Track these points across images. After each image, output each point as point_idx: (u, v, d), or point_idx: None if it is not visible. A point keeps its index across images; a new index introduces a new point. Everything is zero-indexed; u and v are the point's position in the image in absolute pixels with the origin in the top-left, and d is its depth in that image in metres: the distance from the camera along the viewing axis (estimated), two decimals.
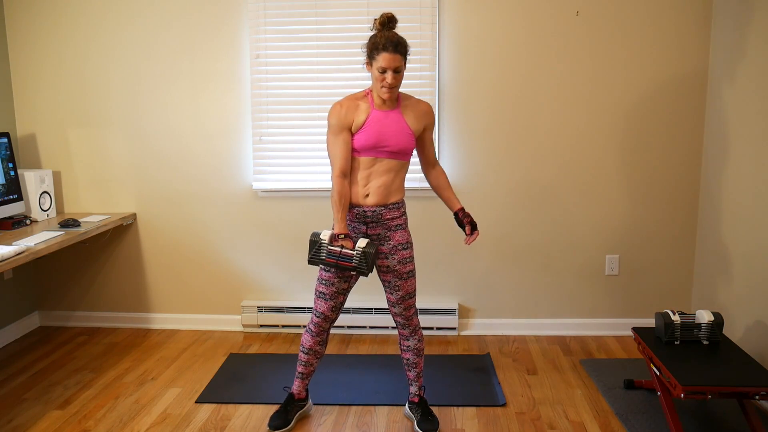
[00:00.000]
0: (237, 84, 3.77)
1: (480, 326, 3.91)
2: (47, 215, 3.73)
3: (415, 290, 2.78)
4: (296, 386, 2.87)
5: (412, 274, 2.75)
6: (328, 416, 2.93)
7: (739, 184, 3.27)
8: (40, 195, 3.68)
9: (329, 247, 2.56)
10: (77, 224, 3.49)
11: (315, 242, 2.58)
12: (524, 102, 3.69)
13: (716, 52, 3.53)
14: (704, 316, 2.81)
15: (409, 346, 2.82)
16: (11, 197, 3.51)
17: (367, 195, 2.65)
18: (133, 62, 3.80)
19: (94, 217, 3.73)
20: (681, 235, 3.77)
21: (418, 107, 2.70)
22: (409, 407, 2.89)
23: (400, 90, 2.73)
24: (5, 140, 3.53)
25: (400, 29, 3.59)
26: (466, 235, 2.75)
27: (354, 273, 2.64)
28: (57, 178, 3.94)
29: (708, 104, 3.63)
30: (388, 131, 2.61)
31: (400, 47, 2.54)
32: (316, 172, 3.79)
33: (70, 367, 3.46)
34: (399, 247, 2.71)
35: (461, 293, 3.89)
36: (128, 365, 3.49)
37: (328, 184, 3.75)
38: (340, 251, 2.55)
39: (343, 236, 2.58)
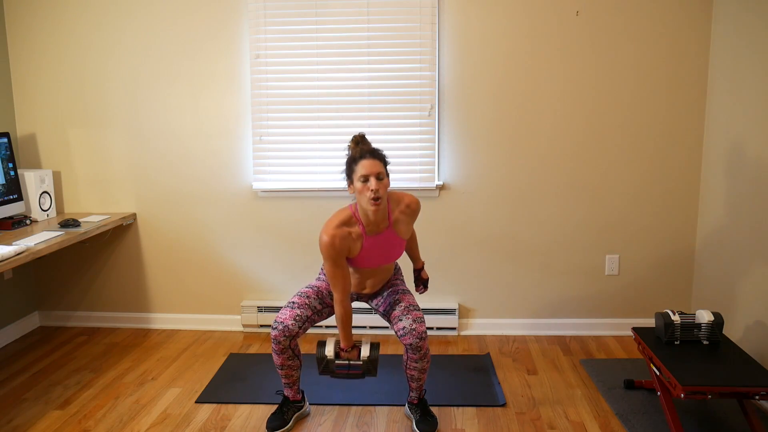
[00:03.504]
0: (237, 84, 3.77)
1: (480, 326, 3.91)
2: (47, 215, 3.73)
3: (418, 305, 2.72)
4: (287, 392, 2.87)
5: (408, 292, 2.80)
6: (328, 416, 2.93)
7: (739, 183, 3.28)
8: (40, 195, 3.68)
9: (336, 361, 2.68)
10: (77, 224, 3.49)
11: (323, 359, 2.67)
12: (524, 102, 3.69)
13: (716, 51, 3.53)
14: (704, 316, 2.81)
15: (416, 367, 2.71)
16: (11, 197, 3.51)
17: (364, 288, 2.81)
18: (133, 62, 3.80)
19: (94, 217, 3.73)
20: (681, 235, 3.77)
21: (404, 211, 2.68)
22: (408, 407, 2.89)
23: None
24: (5, 140, 3.53)
25: (401, 29, 3.62)
26: (416, 290, 2.99)
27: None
28: (57, 178, 3.94)
29: (708, 104, 3.63)
30: (383, 253, 2.68)
31: (377, 153, 2.54)
32: (316, 172, 3.79)
33: (70, 367, 3.46)
34: (391, 288, 2.85)
35: (461, 293, 3.89)
36: (128, 365, 3.49)
37: (328, 184, 3.76)
38: (349, 363, 2.67)
39: (349, 349, 2.68)
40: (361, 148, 2.56)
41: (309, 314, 2.70)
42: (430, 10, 3.61)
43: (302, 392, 2.92)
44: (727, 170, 3.40)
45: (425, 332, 2.63)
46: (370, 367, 2.67)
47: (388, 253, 2.69)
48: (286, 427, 2.79)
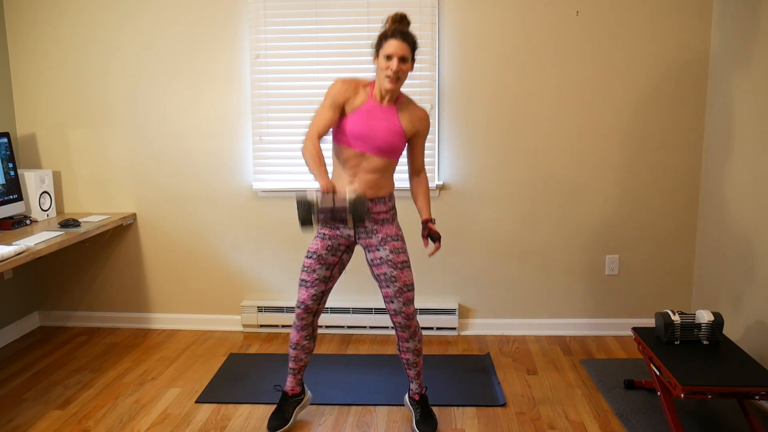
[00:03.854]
0: (237, 84, 3.77)
1: (480, 326, 3.91)
2: (47, 215, 3.74)
3: (412, 283, 2.71)
4: (289, 383, 2.85)
5: (406, 264, 2.69)
6: (328, 416, 2.93)
7: (740, 183, 3.28)
8: (40, 195, 3.68)
9: (320, 205, 2.48)
10: (77, 224, 3.49)
11: (304, 203, 2.45)
12: (524, 102, 3.69)
13: (716, 52, 3.53)
14: (704, 316, 2.81)
15: (408, 348, 2.78)
16: (11, 197, 3.51)
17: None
18: (133, 62, 3.80)
19: (94, 217, 3.73)
20: (681, 235, 3.77)
21: (415, 111, 2.69)
22: (409, 401, 2.89)
23: (403, 91, 2.72)
24: (5, 140, 3.53)
25: None
26: (425, 246, 2.81)
27: (337, 260, 2.68)
28: (57, 178, 3.94)
29: (708, 104, 3.63)
30: (378, 125, 2.60)
31: (408, 37, 2.55)
32: None
33: (70, 367, 3.46)
34: (388, 239, 2.68)
35: (461, 293, 3.89)
36: (128, 365, 3.49)
37: None
38: (333, 206, 2.47)
39: (330, 192, 2.49)
40: (395, 27, 2.56)
41: (323, 288, 2.73)
42: (430, 10, 3.61)
43: (302, 384, 2.91)
44: (727, 170, 3.40)
45: (414, 312, 2.72)
46: (358, 207, 2.44)
47: (385, 132, 2.60)
48: (286, 426, 2.79)
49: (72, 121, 3.88)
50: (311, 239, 3.85)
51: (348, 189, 2.59)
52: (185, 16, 3.74)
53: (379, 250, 2.69)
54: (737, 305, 3.26)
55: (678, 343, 2.82)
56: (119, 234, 3.98)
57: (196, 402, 3.06)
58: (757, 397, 2.45)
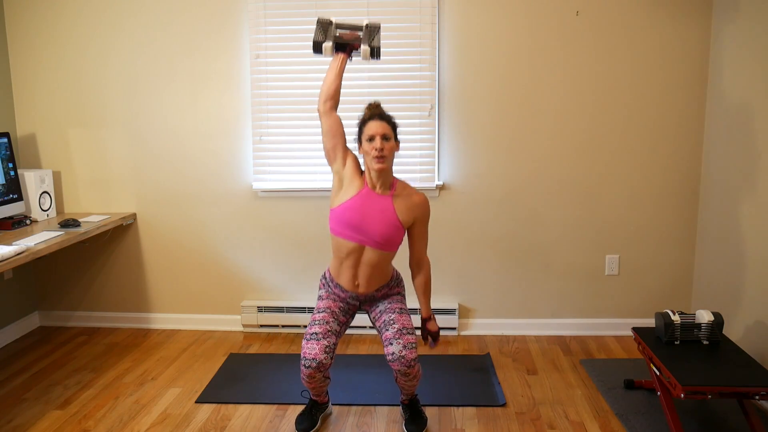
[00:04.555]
0: (237, 84, 3.77)
1: (480, 326, 3.91)
2: (47, 215, 3.73)
3: (413, 328, 2.62)
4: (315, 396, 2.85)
5: (405, 311, 2.69)
6: (329, 416, 2.93)
7: (739, 183, 3.28)
8: (40, 195, 3.68)
9: (336, 27, 2.67)
10: (77, 224, 3.49)
11: (324, 21, 2.66)
12: (524, 101, 3.69)
13: (716, 51, 3.53)
14: (704, 316, 2.81)
15: (405, 382, 2.65)
16: (11, 197, 3.51)
17: (358, 284, 2.69)
18: (133, 62, 3.80)
19: (94, 217, 3.73)
20: (681, 235, 3.77)
21: (411, 198, 2.64)
22: (401, 407, 2.89)
23: (400, 178, 2.73)
24: (5, 140, 3.53)
25: (401, 29, 3.62)
26: (424, 342, 2.80)
27: (345, 320, 2.72)
28: (57, 178, 3.94)
29: (708, 104, 3.63)
30: (373, 215, 2.58)
31: (385, 116, 2.60)
32: (316, 172, 3.79)
33: (70, 367, 3.46)
34: (393, 301, 2.74)
35: (461, 293, 3.89)
36: (128, 365, 3.49)
37: (328, 184, 3.75)
38: (350, 25, 2.69)
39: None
40: (371, 111, 2.63)
41: (334, 340, 2.60)
42: (430, 10, 3.61)
43: (326, 392, 2.91)
44: (727, 170, 3.40)
45: (415, 359, 2.54)
46: (374, 33, 2.64)
47: (380, 224, 2.58)
48: (315, 428, 2.80)
49: (72, 121, 3.88)
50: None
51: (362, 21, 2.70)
52: (186, 16, 3.74)
53: (379, 306, 2.74)
54: (737, 305, 3.26)
55: (678, 343, 2.82)
56: (119, 234, 3.98)
57: (196, 402, 3.06)
58: (757, 397, 2.45)
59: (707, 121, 3.64)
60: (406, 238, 2.94)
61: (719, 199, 3.48)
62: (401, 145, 3.68)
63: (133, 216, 3.94)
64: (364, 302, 2.78)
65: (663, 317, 2.83)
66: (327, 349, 2.55)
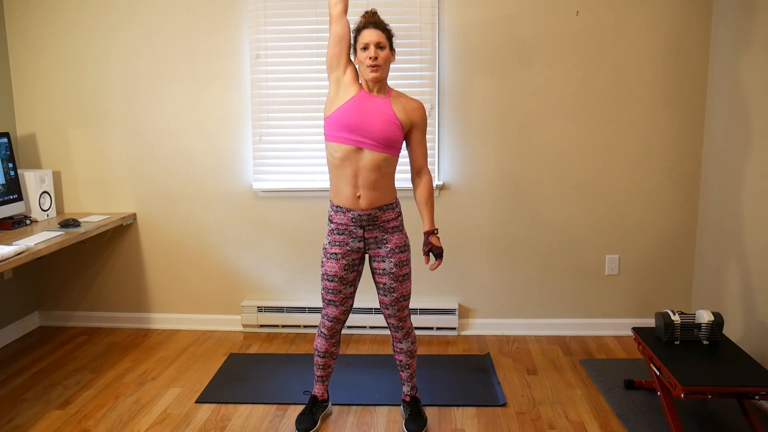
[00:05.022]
0: (237, 84, 3.77)
1: (480, 326, 3.91)
2: (47, 215, 3.73)
3: (409, 293, 2.76)
4: (317, 389, 2.88)
5: (407, 277, 2.73)
6: (328, 416, 2.93)
7: (739, 183, 3.27)
8: (40, 195, 3.68)
9: None
10: (77, 224, 3.49)
11: None
12: (524, 101, 3.69)
13: (716, 51, 3.53)
14: (704, 316, 2.81)
15: (402, 348, 2.82)
16: (11, 197, 3.51)
17: (359, 196, 2.61)
18: (133, 62, 3.80)
19: (94, 217, 3.73)
20: (681, 235, 3.77)
21: (408, 102, 2.67)
22: (402, 405, 2.90)
23: (396, 88, 2.71)
24: (5, 140, 3.53)
25: (401, 29, 3.63)
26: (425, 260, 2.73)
27: (355, 274, 2.70)
28: (57, 178, 3.94)
29: (708, 104, 3.63)
30: (371, 114, 2.56)
31: (380, 24, 2.59)
32: (316, 172, 3.79)
33: (70, 367, 3.46)
34: (396, 250, 2.69)
35: (461, 293, 3.89)
36: (128, 365, 3.49)
37: (328, 184, 3.74)
38: None
39: None
40: (366, 20, 2.59)
41: (351, 303, 2.77)
42: (430, 10, 3.61)
43: (328, 392, 2.94)
44: (727, 170, 3.40)
45: (407, 315, 2.78)
46: None
47: (379, 122, 2.55)
48: (315, 428, 2.80)
49: (72, 121, 3.88)
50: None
51: None
52: (186, 15, 3.74)
53: (384, 261, 2.70)
54: (737, 305, 3.26)
55: (678, 343, 2.82)
56: (119, 234, 3.98)
57: (196, 402, 3.06)
58: (757, 397, 2.45)
59: (707, 121, 3.64)
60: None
61: (719, 199, 3.48)
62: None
63: (133, 216, 3.94)
64: (369, 239, 2.67)
65: (663, 317, 2.83)
66: (344, 313, 2.77)
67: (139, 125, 3.86)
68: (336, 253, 2.68)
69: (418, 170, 2.74)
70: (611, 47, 3.62)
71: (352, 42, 2.63)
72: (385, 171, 2.62)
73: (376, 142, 2.56)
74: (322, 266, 2.73)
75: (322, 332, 2.79)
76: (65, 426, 2.85)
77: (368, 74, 2.56)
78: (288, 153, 3.78)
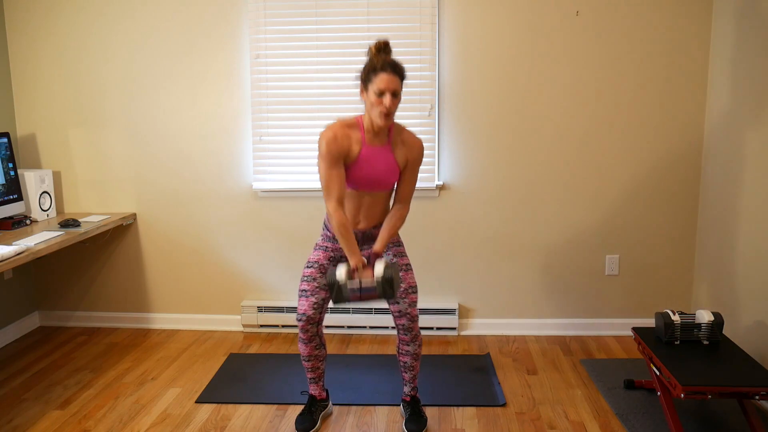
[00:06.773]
0: (237, 84, 3.77)
1: (480, 326, 3.91)
2: (47, 215, 3.73)
3: (416, 285, 2.72)
4: (313, 389, 2.88)
5: (409, 267, 2.73)
6: (329, 416, 2.93)
7: (739, 183, 3.27)
8: (40, 195, 3.68)
9: (349, 287, 2.47)
10: (77, 224, 3.49)
11: (333, 284, 2.47)
12: (524, 101, 3.69)
13: (716, 51, 3.53)
14: (704, 316, 2.81)
15: (408, 351, 2.78)
16: (11, 197, 3.51)
17: (358, 223, 2.68)
18: (133, 62, 3.80)
19: (94, 217, 3.73)
20: (681, 235, 3.77)
21: (407, 140, 2.64)
22: (402, 404, 2.90)
23: (395, 120, 2.70)
24: (5, 140, 3.53)
25: (401, 29, 3.63)
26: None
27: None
28: (57, 178, 3.94)
29: (708, 104, 3.63)
30: (379, 169, 2.58)
31: (398, 69, 2.49)
32: (316, 172, 3.78)
33: (70, 367, 3.46)
34: (392, 245, 2.74)
35: (461, 293, 3.89)
36: (128, 365, 3.49)
37: None
38: (360, 285, 2.47)
39: (360, 268, 2.50)
40: (383, 59, 2.47)
41: (324, 296, 2.69)
42: (430, 10, 3.61)
43: (326, 390, 2.93)
44: (727, 170, 3.40)
45: (417, 316, 2.72)
46: (386, 287, 2.42)
47: (385, 174, 2.59)
48: (315, 428, 2.80)
49: (72, 121, 3.88)
50: (311, 247, 3.85)
51: (378, 264, 2.46)
52: (186, 15, 3.74)
53: (383, 255, 2.71)
54: (737, 305, 3.26)
55: (678, 343, 2.82)
56: (119, 234, 3.98)
57: (196, 402, 3.06)
58: (757, 397, 2.45)
59: (707, 121, 3.64)
60: None
61: (719, 199, 3.48)
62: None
63: (133, 216, 3.94)
64: (364, 242, 2.71)
65: (663, 317, 2.83)
66: (315, 306, 2.67)
67: (139, 125, 3.86)
68: (326, 247, 2.73)
69: (400, 201, 2.70)
70: (611, 47, 3.62)
71: (361, 76, 2.53)
72: (384, 201, 2.70)
73: (381, 188, 2.63)
74: None
75: (300, 336, 2.74)
76: (65, 426, 2.85)
77: (379, 121, 2.49)
78: (288, 153, 3.78)
